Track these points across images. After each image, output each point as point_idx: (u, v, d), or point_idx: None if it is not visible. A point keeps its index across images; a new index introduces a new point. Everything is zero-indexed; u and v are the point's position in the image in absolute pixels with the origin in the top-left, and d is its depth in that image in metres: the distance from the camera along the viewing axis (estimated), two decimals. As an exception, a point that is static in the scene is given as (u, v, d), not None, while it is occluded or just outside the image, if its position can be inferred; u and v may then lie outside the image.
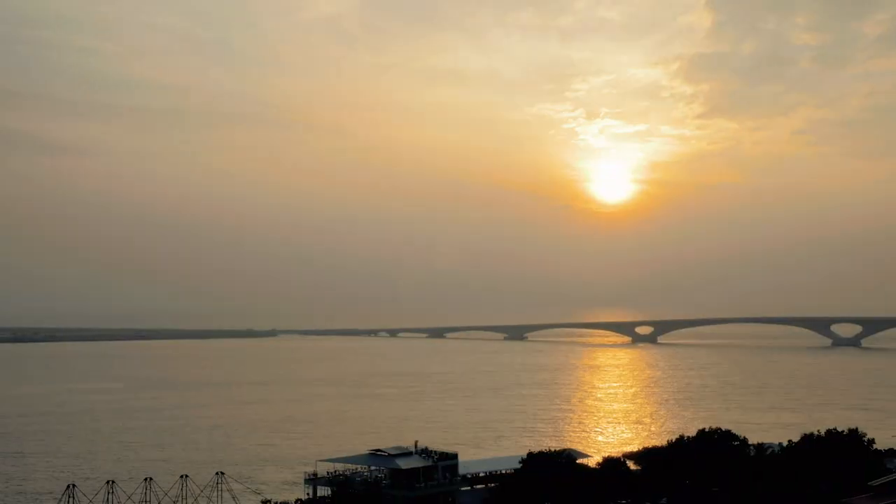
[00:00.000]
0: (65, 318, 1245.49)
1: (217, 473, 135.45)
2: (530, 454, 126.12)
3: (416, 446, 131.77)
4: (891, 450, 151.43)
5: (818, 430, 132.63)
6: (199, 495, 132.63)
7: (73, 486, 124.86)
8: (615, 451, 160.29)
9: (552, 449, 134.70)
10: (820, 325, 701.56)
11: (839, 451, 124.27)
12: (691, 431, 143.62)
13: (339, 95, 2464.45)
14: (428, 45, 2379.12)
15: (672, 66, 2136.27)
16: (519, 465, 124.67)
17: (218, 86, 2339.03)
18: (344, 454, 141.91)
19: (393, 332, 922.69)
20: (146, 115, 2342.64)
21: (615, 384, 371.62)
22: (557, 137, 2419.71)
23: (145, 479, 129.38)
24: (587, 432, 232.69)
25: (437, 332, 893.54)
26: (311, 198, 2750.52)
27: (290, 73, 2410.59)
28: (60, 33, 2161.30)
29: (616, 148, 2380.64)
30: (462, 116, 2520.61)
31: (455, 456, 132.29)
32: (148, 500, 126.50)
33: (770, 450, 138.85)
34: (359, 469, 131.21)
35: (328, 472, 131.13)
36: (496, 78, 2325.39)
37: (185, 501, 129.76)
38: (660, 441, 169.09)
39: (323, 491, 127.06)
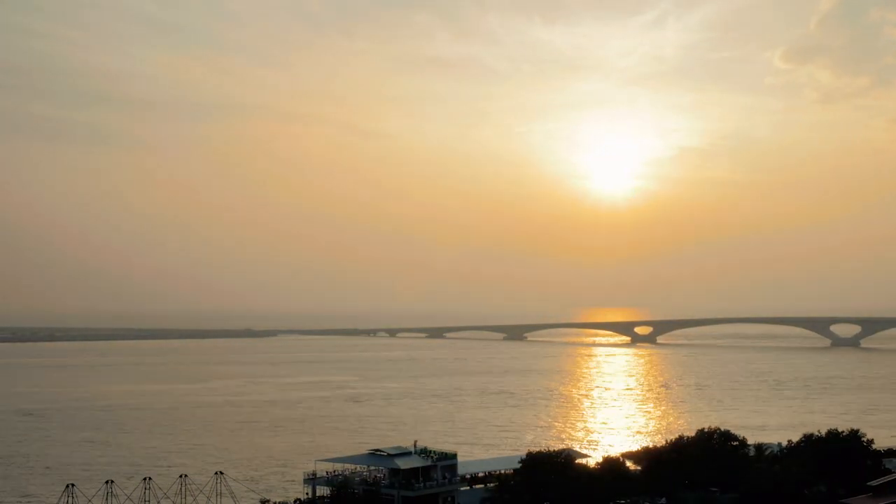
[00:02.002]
0: (64, 318, 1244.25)
1: (216, 473, 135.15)
2: (529, 454, 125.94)
3: (415, 446, 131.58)
4: (890, 450, 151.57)
5: (818, 431, 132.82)
6: (198, 495, 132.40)
7: (73, 485, 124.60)
8: (615, 451, 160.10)
9: (551, 449, 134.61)
10: (819, 325, 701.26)
11: (839, 451, 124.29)
12: (691, 431, 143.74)
13: (320, 85, 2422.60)
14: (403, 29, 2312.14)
15: (770, 56, 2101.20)
16: (518, 465, 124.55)
17: (187, 74, 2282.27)
18: (343, 454, 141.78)
19: (392, 332, 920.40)
20: (118, 106, 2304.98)
21: (614, 384, 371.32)
22: (562, 133, 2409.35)
23: (144, 479, 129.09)
24: (586, 432, 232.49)
25: (437, 333, 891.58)
26: (299, 192, 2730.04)
27: (260, 59, 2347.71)
28: (22, 17, 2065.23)
29: (616, 143, 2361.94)
30: (465, 108, 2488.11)
31: (454, 456, 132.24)
32: (147, 499, 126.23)
33: (770, 450, 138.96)
34: (358, 469, 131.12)
35: (327, 472, 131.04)
36: (480, 64, 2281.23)
37: (183, 501, 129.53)
38: (660, 441, 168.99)
39: (322, 491, 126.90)
